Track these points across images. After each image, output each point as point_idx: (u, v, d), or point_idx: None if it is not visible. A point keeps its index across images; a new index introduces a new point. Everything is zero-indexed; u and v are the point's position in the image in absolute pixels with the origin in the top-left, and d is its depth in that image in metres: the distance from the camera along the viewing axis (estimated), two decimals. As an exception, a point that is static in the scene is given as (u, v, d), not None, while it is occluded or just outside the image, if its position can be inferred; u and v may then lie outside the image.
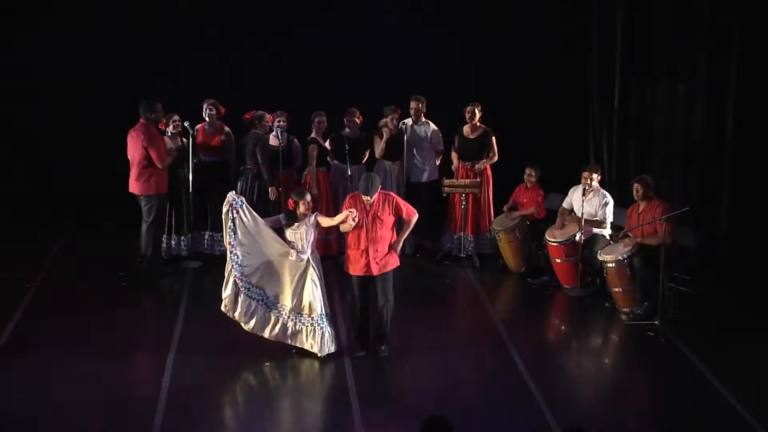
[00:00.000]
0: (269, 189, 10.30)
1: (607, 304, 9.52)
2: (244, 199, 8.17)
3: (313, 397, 7.70)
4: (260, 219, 8.12)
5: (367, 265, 8.11)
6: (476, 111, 10.82)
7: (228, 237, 8.06)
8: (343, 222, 8.08)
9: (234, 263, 8.06)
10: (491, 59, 12.32)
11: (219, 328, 8.83)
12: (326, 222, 8.29)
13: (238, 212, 8.02)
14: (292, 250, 8.06)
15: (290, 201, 8.17)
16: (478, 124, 10.87)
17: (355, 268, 8.17)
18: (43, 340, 8.51)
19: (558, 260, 9.85)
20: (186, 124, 10.34)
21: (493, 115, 10.99)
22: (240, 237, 8.03)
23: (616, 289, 9.35)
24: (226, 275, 8.16)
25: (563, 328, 9.57)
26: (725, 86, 10.32)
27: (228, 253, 8.10)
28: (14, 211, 12.04)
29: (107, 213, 11.73)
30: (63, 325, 8.83)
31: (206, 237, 10.65)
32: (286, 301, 8.11)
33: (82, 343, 8.46)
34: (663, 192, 9.85)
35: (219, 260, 10.47)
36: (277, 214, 10.30)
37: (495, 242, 10.64)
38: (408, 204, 8.40)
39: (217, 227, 10.57)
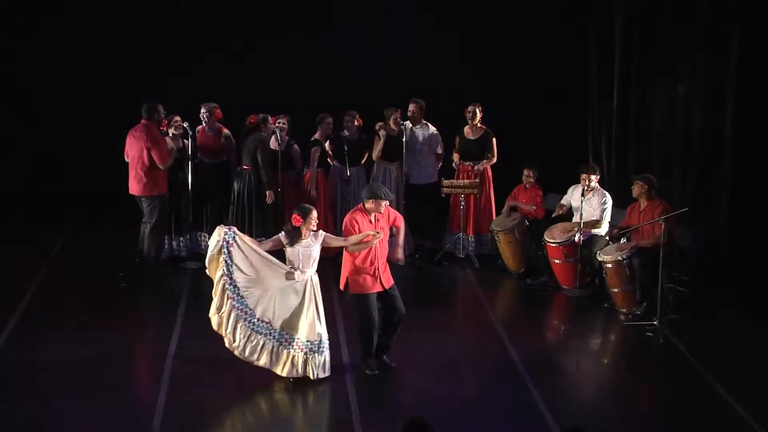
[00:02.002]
0: (267, 192, 10.30)
1: (606, 305, 9.53)
2: (236, 229, 7.71)
3: (309, 399, 7.67)
4: (257, 246, 7.66)
5: (380, 280, 7.92)
6: (477, 111, 10.81)
7: (222, 271, 7.57)
8: (362, 242, 7.76)
9: (234, 297, 7.60)
10: (491, 59, 12.33)
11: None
12: (335, 242, 7.88)
13: (231, 245, 7.56)
14: (296, 272, 7.63)
15: (295, 217, 7.67)
16: (479, 124, 10.86)
17: (370, 286, 7.89)
18: (43, 341, 8.52)
19: (557, 261, 9.86)
20: (186, 125, 10.35)
21: (492, 116, 10.99)
22: (239, 269, 7.59)
23: (615, 290, 9.36)
24: (222, 311, 7.65)
25: (562, 328, 9.58)
26: (724, 86, 10.31)
27: (224, 285, 7.60)
28: (14, 211, 12.06)
29: (107, 213, 11.74)
30: (62, 326, 8.84)
31: (203, 238, 10.64)
32: (293, 330, 7.66)
33: (81, 343, 8.46)
34: (662, 192, 9.86)
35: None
36: (274, 215, 10.40)
37: (494, 242, 10.64)
38: (396, 211, 8.30)
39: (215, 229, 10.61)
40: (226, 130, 10.60)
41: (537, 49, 12.23)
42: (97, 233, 11.63)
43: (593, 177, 9.87)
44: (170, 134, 10.34)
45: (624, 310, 9.35)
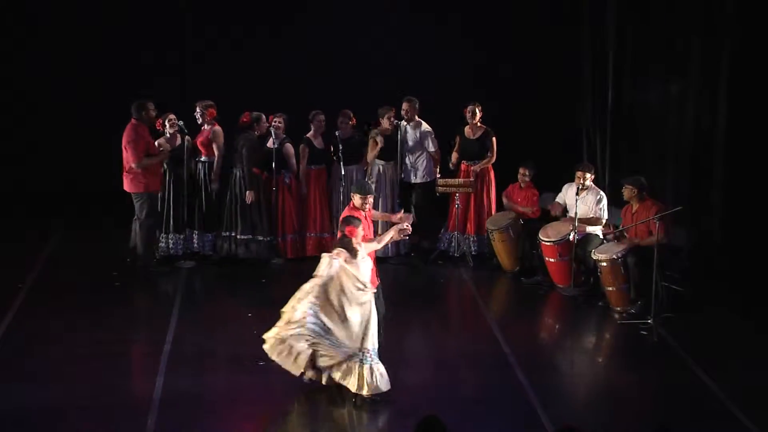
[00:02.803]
0: (247, 192, 10.30)
1: (600, 304, 9.54)
2: (341, 260, 7.36)
3: (306, 398, 7.66)
4: (351, 269, 7.38)
5: (377, 275, 7.92)
6: (477, 111, 10.81)
7: (311, 301, 7.35)
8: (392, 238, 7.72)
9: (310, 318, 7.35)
10: (487, 59, 12.34)
11: (212, 329, 8.85)
12: (372, 247, 7.64)
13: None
14: (367, 289, 7.39)
15: (350, 230, 7.41)
16: (479, 123, 10.87)
17: (372, 282, 7.79)
18: (36, 341, 8.48)
19: (551, 259, 9.87)
20: (180, 123, 10.35)
21: (488, 116, 10.99)
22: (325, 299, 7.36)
23: (610, 288, 9.37)
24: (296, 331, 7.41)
25: (557, 327, 9.59)
26: (717, 86, 10.34)
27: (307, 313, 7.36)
28: (8, 211, 12.02)
29: (103, 212, 11.69)
30: (56, 326, 8.80)
31: (195, 236, 10.62)
32: (352, 342, 7.38)
33: (75, 343, 8.44)
34: (655, 191, 9.88)
35: (210, 260, 10.57)
36: (267, 214, 10.39)
37: (489, 241, 10.65)
38: None
39: (206, 226, 10.57)
40: (217, 127, 10.56)
41: (533, 49, 12.24)
42: (91, 233, 11.58)
43: (588, 175, 9.89)
44: (167, 134, 10.34)
45: (618, 308, 9.37)
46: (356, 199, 7.86)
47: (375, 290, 7.83)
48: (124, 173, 10.10)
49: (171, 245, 10.54)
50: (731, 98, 10.21)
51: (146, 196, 10.09)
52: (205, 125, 10.53)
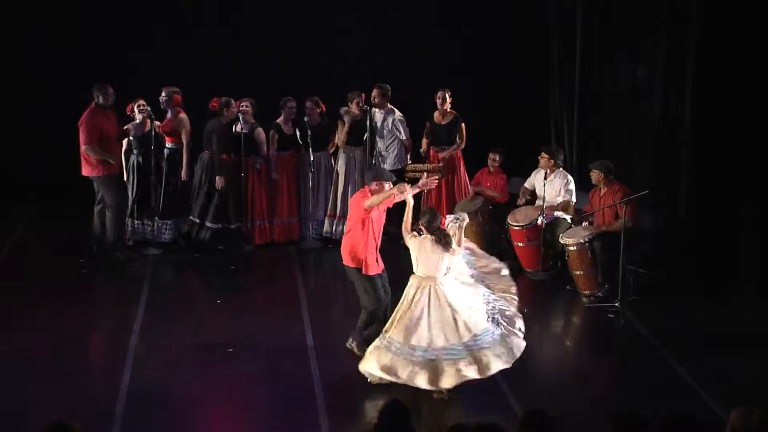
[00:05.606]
0: (217, 177, 10.26)
1: (568, 287, 9.60)
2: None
3: (276, 385, 7.64)
4: None
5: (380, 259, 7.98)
6: (446, 96, 10.81)
7: None
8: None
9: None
10: (455, 45, 12.33)
11: (181, 316, 8.82)
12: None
13: None
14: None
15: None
16: (449, 109, 10.87)
17: (378, 267, 7.89)
18: (2, 328, 8.39)
19: (520, 244, 9.91)
20: (149, 109, 10.28)
21: (457, 101, 10.99)
22: None
23: (577, 272, 9.43)
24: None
25: (525, 311, 9.55)
26: (684, 72, 10.40)
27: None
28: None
29: (67, 199, 11.57)
30: (21, 313, 8.73)
31: (162, 223, 10.56)
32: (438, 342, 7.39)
33: (42, 331, 8.38)
34: (623, 177, 9.95)
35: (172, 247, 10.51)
36: (235, 200, 10.35)
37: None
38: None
39: (165, 215, 10.51)
40: (182, 115, 10.50)
41: (504, 35, 12.22)
42: (57, 220, 11.47)
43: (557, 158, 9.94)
44: (136, 119, 10.27)
45: (586, 292, 9.42)
46: (371, 187, 7.84)
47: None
48: (82, 158, 10.04)
49: (138, 232, 10.49)
50: (697, 84, 10.26)
51: (105, 178, 10.01)
52: (169, 111, 10.46)
